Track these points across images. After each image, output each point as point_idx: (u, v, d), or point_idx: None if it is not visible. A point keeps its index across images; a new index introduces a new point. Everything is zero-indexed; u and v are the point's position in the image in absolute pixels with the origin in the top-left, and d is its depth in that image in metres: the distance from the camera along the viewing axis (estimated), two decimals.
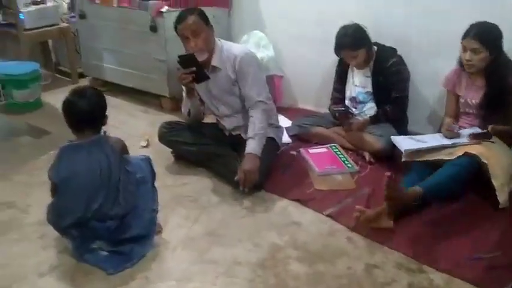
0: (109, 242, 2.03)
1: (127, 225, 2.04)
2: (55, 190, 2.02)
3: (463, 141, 2.41)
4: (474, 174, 2.31)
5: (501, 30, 2.41)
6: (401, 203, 2.21)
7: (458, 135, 2.47)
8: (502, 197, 2.28)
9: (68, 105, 2.00)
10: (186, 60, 2.47)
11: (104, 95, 2.10)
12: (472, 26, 2.42)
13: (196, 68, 2.46)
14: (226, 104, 2.72)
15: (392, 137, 2.62)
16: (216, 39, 2.63)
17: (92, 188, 1.96)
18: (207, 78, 2.55)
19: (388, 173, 2.15)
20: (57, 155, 2.01)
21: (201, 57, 2.53)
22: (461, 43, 2.46)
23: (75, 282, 1.94)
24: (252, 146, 2.49)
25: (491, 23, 2.41)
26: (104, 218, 1.98)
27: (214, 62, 2.59)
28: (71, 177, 1.96)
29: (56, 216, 2.00)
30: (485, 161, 2.27)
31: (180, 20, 2.51)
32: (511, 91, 2.39)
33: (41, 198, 2.16)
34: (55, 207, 2.02)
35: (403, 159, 2.45)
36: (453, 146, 2.41)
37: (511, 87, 2.39)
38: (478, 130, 2.45)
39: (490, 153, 2.31)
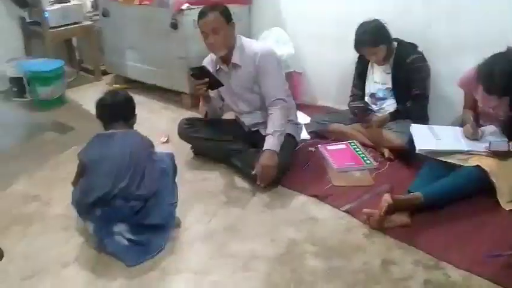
0: (130, 227, 2.09)
1: (148, 211, 2.11)
2: (82, 172, 2.15)
3: (480, 151, 2.37)
4: (480, 188, 2.31)
5: None
6: (400, 209, 2.21)
7: (478, 139, 2.44)
8: (510, 207, 2.28)
9: (104, 100, 2.27)
10: (198, 72, 2.55)
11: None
12: (495, 82, 2.23)
13: (208, 78, 2.52)
14: (246, 101, 2.74)
15: (412, 125, 2.61)
16: (237, 36, 2.65)
17: (120, 169, 2.07)
18: (221, 85, 2.61)
19: (388, 201, 2.14)
20: (90, 140, 2.19)
21: (219, 54, 2.58)
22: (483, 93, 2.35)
23: (96, 272, 1.99)
24: (271, 143, 2.50)
25: (506, 63, 2.23)
26: (129, 197, 2.05)
27: (235, 59, 2.62)
28: (102, 159, 2.10)
29: (83, 194, 2.09)
30: (493, 180, 2.26)
31: (201, 15, 2.54)
32: None
33: (64, 192, 2.23)
34: (83, 186, 2.12)
35: (417, 152, 2.44)
36: (468, 152, 2.38)
37: None
38: (496, 138, 2.40)
39: (501, 171, 2.29)
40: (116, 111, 2.25)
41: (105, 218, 2.07)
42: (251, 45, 2.66)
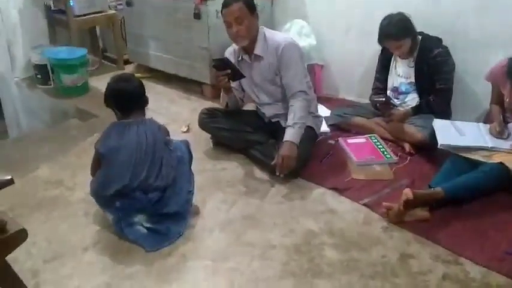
0: (149, 216, 2.12)
1: (166, 200, 2.13)
2: (99, 162, 2.15)
3: (504, 148, 2.34)
4: (502, 185, 2.27)
5: None
6: (420, 204, 2.19)
7: (505, 137, 2.40)
8: None
9: (116, 89, 2.19)
10: (220, 63, 2.56)
11: (147, 82, 2.26)
12: None
13: (230, 69, 2.53)
14: (267, 93, 2.74)
15: (434, 120, 2.58)
16: (260, 27, 2.65)
17: (138, 159, 2.08)
18: (243, 76, 2.62)
19: (409, 196, 2.12)
20: (106, 130, 2.18)
21: (241, 44, 2.59)
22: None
23: (116, 257, 2.03)
24: (291, 134, 2.50)
25: None
26: (148, 189, 2.08)
27: (257, 50, 2.62)
28: (119, 148, 2.10)
29: (102, 186, 2.11)
30: None
31: (226, 5, 2.55)
32: None
33: (87, 178, 2.27)
34: (101, 177, 2.14)
35: (439, 147, 2.41)
36: (492, 149, 2.35)
37: None
38: None
39: None
40: (131, 100, 2.18)
41: (124, 210, 2.10)
42: (274, 36, 2.66)
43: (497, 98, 2.54)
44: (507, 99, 2.44)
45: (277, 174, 2.49)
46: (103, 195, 2.11)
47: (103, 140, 2.16)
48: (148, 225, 2.12)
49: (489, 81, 2.56)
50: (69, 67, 3.73)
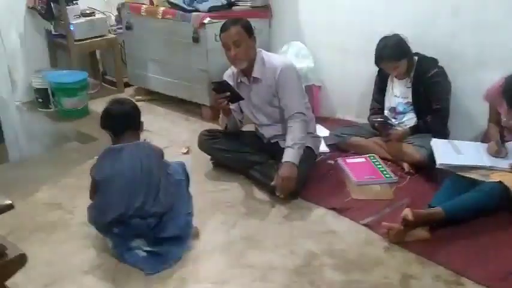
0: (148, 241, 2.11)
1: (165, 225, 2.12)
2: (95, 189, 2.15)
3: (503, 167, 2.34)
4: (502, 204, 2.28)
5: None
6: (420, 224, 2.19)
7: (503, 156, 2.41)
8: None
9: (109, 111, 2.21)
10: (219, 86, 2.59)
11: (147, 104, 2.27)
12: None
13: (229, 91, 2.56)
14: (266, 114, 2.77)
15: (432, 139, 2.60)
16: (258, 50, 2.69)
17: (133, 186, 2.07)
18: (241, 98, 2.64)
19: (409, 217, 2.12)
20: (100, 155, 2.17)
21: (240, 66, 2.62)
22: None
23: (115, 281, 2.01)
24: (290, 155, 2.52)
25: None
26: (145, 216, 2.07)
27: (256, 73, 2.66)
28: (114, 175, 2.08)
29: (99, 213, 2.10)
30: None
31: (224, 28, 2.59)
32: None
33: (87, 201, 2.26)
34: (97, 204, 2.13)
35: (437, 167, 2.42)
36: (491, 168, 2.36)
37: None
38: None
39: None
40: (125, 120, 2.19)
41: (123, 235, 2.09)
42: (271, 59, 2.69)
43: (495, 117, 2.56)
44: (504, 119, 2.46)
45: (277, 194, 2.49)
46: (100, 223, 2.11)
47: (97, 166, 2.15)
48: (147, 248, 2.11)
49: (486, 101, 2.58)
50: (69, 90, 3.77)
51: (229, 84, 2.62)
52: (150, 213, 2.07)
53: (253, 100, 2.75)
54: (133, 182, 2.07)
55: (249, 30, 2.60)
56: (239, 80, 2.75)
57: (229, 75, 2.79)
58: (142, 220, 2.06)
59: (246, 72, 2.69)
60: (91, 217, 2.16)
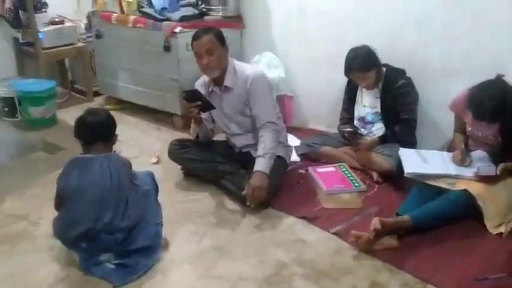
0: (116, 254, 2.07)
1: (133, 237, 2.08)
2: (60, 200, 2.09)
3: (468, 175, 2.40)
4: (467, 212, 2.34)
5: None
6: (388, 233, 2.22)
7: (467, 165, 2.47)
8: (497, 231, 2.30)
9: (81, 120, 2.15)
10: (190, 95, 2.58)
11: (117, 113, 2.22)
12: (484, 109, 2.24)
13: (201, 101, 2.55)
14: (238, 123, 2.77)
15: (400, 149, 2.64)
16: (230, 59, 2.69)
17: (102, 200, 2.02)
18: (213, 108, 2.64)
19: (377, 225, 2.15)
20: (67, 165, 2.10)
21: (212, 75, 2.63)
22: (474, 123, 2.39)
23: None
24: (261, 164, 2.52)
25: (496, 91, 2.26)
26: (113, 230, 2.02)
27: (227, 82, 2.66)
28: (82, 188, 2.03)
29: (65, 228, 2.05)
30: (480, 204, 2.29)
31: (196, 37, 2.59)
32: None
33: (53, 212, 2.21)
34: (64, 218, 2.07)
35: (405, 176, 2.47)
36: (456, 177, 2.41)
37: None
38: (485, 163, 2.42)
39: (488, 194, 2.32)
40: (97, 131, 2.13)
41: (90, 250, 2.05)
42: (243, 68, 2.70)
43: (460, 127, 2.63)
44: (469, 128, 2.53)
45: (248, 204, 2.49)
46: (67, 237, 2.06)
47: (64, 177, 2.08)
48: (116, 261, 2.07)
49: (452, 111, 2.64)
50: (36, 99, 3.69)
51: (200, 93, 2.62)
52: (119, 228, 2.03)
53: (224, 109, 2.75)
54: (102, 196, 2.02)
55: (221, 39, 2.61)
56: (211, 89, 2.74)
57: (201, 84, 2.79)
58: (110, 235, 2.02)
59: (218, 81, 2.69)
60: (56, 231, 2.10)
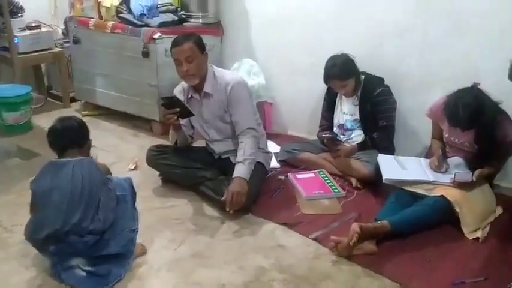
0: (87, 259, 2.01)
1: (105, 242, 2.03)
2: (35, 203, 2.05)
3: (445, 182, 2.44)
4: (445, 218, 2.37)
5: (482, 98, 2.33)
6: (367, 238, 2.23)
7: (443, 171, 2.50)
8: (474, 236, 2.33)
9: (52, 129, 2.15)
10: (169, 101, 2.55)
11: (94, 120, 2.20)
12: (459, 116, 2.29)
13: (179, 107, 2.53)
14: (217, 130, 2.76)
15: (379, 155, 2.66)
16: (209, 65, 2.69)
17: (71, 201, 1.98)
18: (192, 114, 2.62)
19: (357, 230, 2.16)
20: (41, 169, 2.08)
21: (191, 82, 2.61)
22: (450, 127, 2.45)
23: None
24: (241, 170, 2.51)
25: (471, 99, 2.29)
26: (82, 233, 1.98)
27: (207, 88, 2.65)
28: (52, 190, 2.00)
29: (34, 229, 2.00)
30: (457, 210, 2.33)
31: (175, 44, 2.58)
32: (503, 140, 2.39)
33: (27, 219, 2.15)
34: (34, 220, 2.03)
35: (383, 182, 2.49)
36: (434, 183, 2.45)
37: (502, 137, 2.38)
38: (461, 170, 2.46)
39: (465, 200, 2.36)
40: (68, 138, 2.12)
41: (60, 254, 2.00)
42: (223, 75, 2.70)
43: (438, 133, 2.67)
44: (446, 135, 2.57)
45: (227, 210, 2.47)
46: (36, 239, 2.00)
47: (37, 179, 2.06)
48: (87, 268, 2.01)
49: (429, 118, 2.68)
50: (11, 105, 3.62)
51: (179, 99, 2.60)
52: (88, 230, 1.98)
53: (204, 115, 2.74)
54: (71, 198, 1.98)
55: (201, 46, 2.60)
56: (190, 96, 2.73)
57: (179, 90, 2.77)
58: (79, 238, 1.97)
59: (197, 87, 2.67)
60: (26, 233, 2.05)
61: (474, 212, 2.37)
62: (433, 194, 2.39)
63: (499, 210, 2.53)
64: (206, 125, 2.77)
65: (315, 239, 2.34)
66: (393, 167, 2.55)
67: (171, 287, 2.02)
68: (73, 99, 4.29)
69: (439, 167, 2.50)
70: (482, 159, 2.45)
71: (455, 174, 2.41)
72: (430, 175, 2.48)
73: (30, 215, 2.11)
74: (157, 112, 3.54)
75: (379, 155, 2.69)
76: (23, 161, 3.26)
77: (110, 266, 2.03)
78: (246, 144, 2.58)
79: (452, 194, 2.36)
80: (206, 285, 2.02)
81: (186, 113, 2.59)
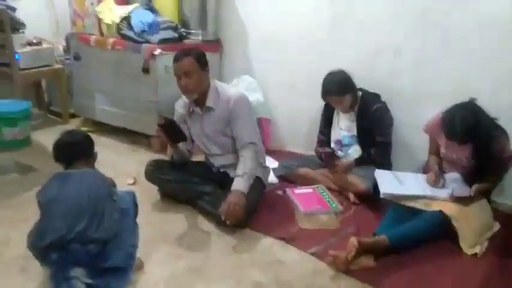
0: (87, 270, 1.99)
1: (107, 254, 2.02)
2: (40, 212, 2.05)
3: (443, 197, 2.45)
4: (443, 233, 2.37)
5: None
6: (365, 252, 2.23)
7: (440, 186, 2.51)
8: (472, 252, 2.33)
9: (59, 142, 2.19)
10: (166, 122, 2.56)
11: (93, 136, 2.32)
12: (456, 130, 2.32)
13: (174, 131, 2.56)
14: (219, 144, 2.77)
15: (376, 170, 2.67)
16: (212, 80, 2.71)
17: (77, 210, 1.98)
18: (184, 140, 2.64)
19: (355, 244, 2.16)
20: (48, 180, 2.10)
21: (190, 97, 2.64)
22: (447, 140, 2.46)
23: None
24: (240, 184, 2.52)
25: (468, 113, 2.32)
26: (86, 241, 1.97)
27: (209, 102, 2.67)
28: (58, 199, 2.01)
29: (37, 237, 1.99)
30: (455, 224, 2.33)
31: (176, 59, 2.61)
32: (499, 155, 2.41)
33: (24, 233, 2.13)
34: (38, 228, 2.02)
35: (381, 197, 2.50)
36: (431, 197, 2.46)
37: (499, 152, 2.40)
38: (459, 185, 2.48)
39: (463, 215, 2.36)
40: (74, 151, 2.17)
41: (61, 263, 1.98)
42: (225, 90, 2.73)
43: (434, 149, 2.68)
44: (443, 150, 2.59)
45: (223, 219, 2.46)
46: (38, 247, 1.99)
47: (43, 189, 2.08)
48: (86, 280, 1.99)
49: (426, 133, 2.70)
50: (10, 120, 3.62)
51: (177, 125, 2.60)
52: (92, 238, 1.98)
53: (205, 130, 2.75)
54: (77, 207, 1.99)
55: (201, 62, 2.62)
56: (191, 110, 2.75)
57: (181, 105, 2.80)
58: (82, 246, 1.96)
59: (199, 102, 2.69)
60: (29, 241, 2.04)
61: (472, 226, 2.37)
62: (430, 209, 2.39)
63: (497, 226, 2.53)
64: (206, 139, 2.78)
65: (313, 254, 2.33)
66: (391, 182, 2.56)
67: None
68: (73, 116, 4.31)
69: (436, 182, 2.51)
70: (479, 175, 2.46)
71: (452, 190, 2.42)
72: (427, 190, 2.49)
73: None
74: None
75: (377, 170, 2.70)
76: (21, 176, 3.25)
77: (110, 279, 2.02)
78: (246, 158, 2.60)
79: (450, 209, 2.36)
80: None
81: (179, 138, 2.62)
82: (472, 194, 2.39)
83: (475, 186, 2.41)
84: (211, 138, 2.77)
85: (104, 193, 2.09)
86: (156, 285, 2.10)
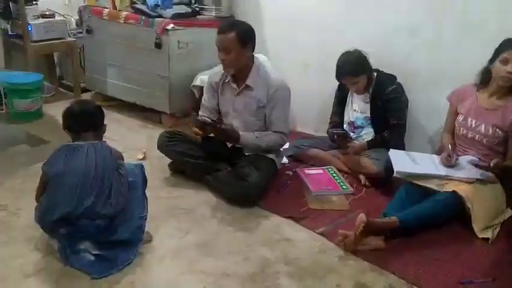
0: (96, 244, 2.01)
1: (115, 227, 2.03)
2: (45, 185, 2.04)
3: (458, 176, 2.40)
4: (455, 215, 2.33)
5: None
6: (375, 233, 2.20)
7: (455, 166, 2.46)
8: (484, 235, 2.29)
9: (69, 110, 2.15)
10: (202, 124, 2.58)
11: (104, 110, 2.26)
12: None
13: (209, 129, 2.57)
14: (244, 122, 2.72)
15: (390, 150, 2.62)
16: (256, 59, 2.67)
17: (85, 185, 1.97)
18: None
19: (363, 220, 2.12)
20: (54, 151, 2.08)
21: (227, 72, 2.64)
22: (503, 55, 2.37)
23: (59, 285, 1.91)
24: (245, 134, 2.58)
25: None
26: (94, 216, 1.97)
27: (249, 81, 2.64)
28: (65, 172, 1.99)
29: (46, 211, 1.99)
30: (469, 205, 2.28)
31: (219, 30, 2.56)
32: None
33: (32, 203, 2.15)
34: (46, 202, 2.02)
35: (394, 175, 2.46)
36: (446, 177, 2.41)
37: None
38: (472, 167, 2.40)
39: (477, 197, 2.31)
40: (85, 120, 2.13)
41: (70, 237, 1.99)
42: (268, 72, 2.69)
43: (451, 125, 2.62)
44: (460, 118, 2.54)
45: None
46: (47, 221, 2.00)
47: (51, 161, 2.06)
48: (96, 252, 2.01)
49: (450, 101, 2.63)
50: (22, 92, 3.63)
51: (210, 124, 2.59)
52: (100, 214, 1.98)
53: (236, 105, 2.72)
54: (85, 181, 1.98)
55: (243, 39, 2.53)
56: (227, 80, 2.71)
57: (215, 72, 2.78)
58: (91, 221, 1.97)
59: (236, 77, 2.66)
60: (37, 215, 2.05)
61: (486, 208, 2.33)
62: (444, 190, 2.35)
63: (509, 212, 2.49)
64: (235, 113, 2.74)
65: (321, 234, 2.32)
66: (405, 162, 2.51)
67: (174, 275, 2.00)
68: (84, 90, 4.30)
69: (449, 160, 2.45)
70: (495, 156, 2.40)
71: (472, 161, 2.38)
72: (442, 170, 2.44)
73: (36, 200, 2.11)
74: (167, 104, 3.53)
75: (391, 150, 2.65)
76: (31, 148, 3.27)
77: (118, 251, 2.03)
78: (270, 135, 2.65)
79: (464, 190, 2.31)
80: (211, 274, 2.01)
81: (214, 133, 2.62)
82: (491, 165, 2.30)
83: (495, 159, 2.32)
84: (239, 113, 2.72)
85: (111, 167, 2.08)
86: (163, 258, 2.10)
